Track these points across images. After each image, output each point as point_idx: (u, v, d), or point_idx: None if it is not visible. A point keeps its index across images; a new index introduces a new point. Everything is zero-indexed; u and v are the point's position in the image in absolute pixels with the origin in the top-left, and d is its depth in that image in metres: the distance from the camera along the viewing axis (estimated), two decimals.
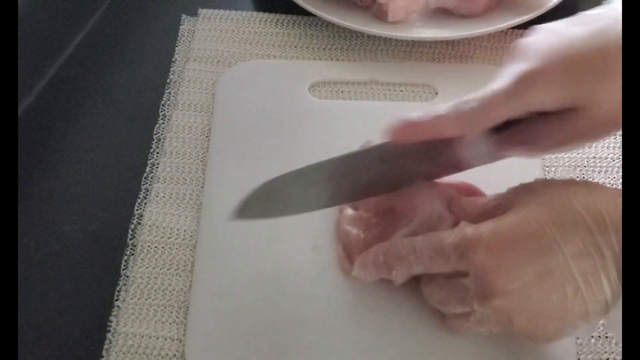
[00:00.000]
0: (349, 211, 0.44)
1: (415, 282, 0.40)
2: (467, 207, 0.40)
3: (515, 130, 0.38)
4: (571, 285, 0.34)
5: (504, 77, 0.37)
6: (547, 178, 0.39)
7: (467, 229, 0.36)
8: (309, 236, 0.45)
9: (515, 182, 0.40)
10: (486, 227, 0.36)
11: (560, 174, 0.49)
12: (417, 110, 0.39)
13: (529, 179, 0.40)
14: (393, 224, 0.42)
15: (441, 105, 0.38)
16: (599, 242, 0.34)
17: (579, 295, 0.34)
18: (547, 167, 0.49)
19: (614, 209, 0.34)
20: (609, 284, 0.34)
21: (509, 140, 0.39)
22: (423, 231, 0.39)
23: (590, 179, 0.49)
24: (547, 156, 0.50)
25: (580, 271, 0.34)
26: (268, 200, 0.41)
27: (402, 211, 0.42)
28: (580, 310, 0.35)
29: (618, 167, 0.49)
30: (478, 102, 0.37)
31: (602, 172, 0.49)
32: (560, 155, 0.50)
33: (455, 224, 0.40)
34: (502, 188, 0.40)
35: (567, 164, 0.50)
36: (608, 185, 0.36)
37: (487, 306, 0.36)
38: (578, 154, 0.50)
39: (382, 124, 0.39)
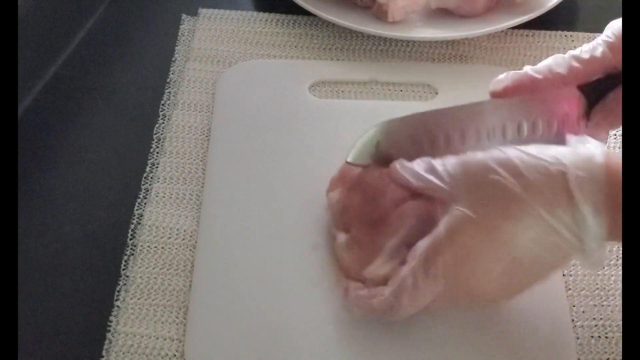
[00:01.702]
0: (341, 237, 0.43)
1: None
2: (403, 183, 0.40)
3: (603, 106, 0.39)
4: (536, 268, 0.36)
5: None
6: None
7: (423, 245, 0.37)
8: (309, 235, 0.45)
9: None
10: (440, 236, 0.36)
11: None
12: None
13: None
14: (382, 236, 0.41)
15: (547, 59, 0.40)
16: (550, 221, 0.34)
17: (547, 271, 0.36)
18: None
19: (553, 182, 0.34)
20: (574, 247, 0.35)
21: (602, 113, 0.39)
22: (414, 238, 0.38)
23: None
24: None
25: (541, 253, 0.35)
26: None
27: (389, 221, 0.41)
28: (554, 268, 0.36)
29: None
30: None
31: None
32: None
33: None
34: None
35: None
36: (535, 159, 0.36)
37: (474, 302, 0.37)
38: None
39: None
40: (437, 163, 0.38)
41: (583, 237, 0.34)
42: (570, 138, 0.38)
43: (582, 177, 0.34)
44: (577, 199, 0.34)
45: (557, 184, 0.34)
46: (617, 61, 0.38)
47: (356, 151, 0.41)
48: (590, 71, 0.39)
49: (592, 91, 0.39)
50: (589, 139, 0.37)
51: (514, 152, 0.36)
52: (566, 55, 0.40)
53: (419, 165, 0.39)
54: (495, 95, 0.41)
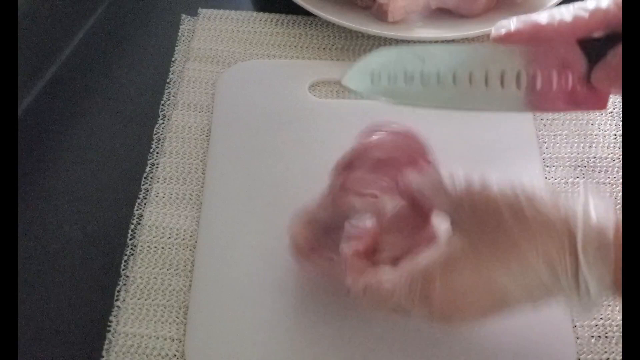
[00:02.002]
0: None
1: None
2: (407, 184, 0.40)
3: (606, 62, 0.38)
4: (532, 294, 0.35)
5: None
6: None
7: (415, 267, 0.36)
8: None
9: (514, 177, 0.39)
10: (435, 263, 0.35)
11: (561, 173, 0.49)
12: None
13: (532, 179, 0.40)
14: (324, 205, 0.41)
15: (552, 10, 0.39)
16: (541, 270, 0.34)
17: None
18: (548, 166, 0.49)
19: (553, 214, 0.34)
20: (569, 285, 0.34)
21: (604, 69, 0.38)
22: (334, 222, 0.39)
23: (590, 179, 0.49)
24: (547, 155, 0.50)
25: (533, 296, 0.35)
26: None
27: (333, 196, 0.41)
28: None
29: (618, 167, 0.49)
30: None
31: (602, 172, 0.49)
32: (560, 155, 0.50)
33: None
34: None
35: (567, 163, 0.50)
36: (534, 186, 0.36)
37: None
38: (578, 154, 0.50)
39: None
40: (445, 177, 0.38)
41: (581, 297, 0.34)
42: (582, 189, 0.37)
43: (592, 249, 0.33)
44: (583, 266, 0.33)
45: (563, 243, 0.33)
46: (620, 16, 0.37)
47: (351, 74, 0.40)
48: (593, 22, 0.38)
49: (593, 48, 0.39)
50: (597, 195, 0.36)
51: (521, 190, 0.35)
52: (570, 5, 0.39)
53: (426, 175, 0.39)
54: (497, 39, 0.39)
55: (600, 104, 0.40)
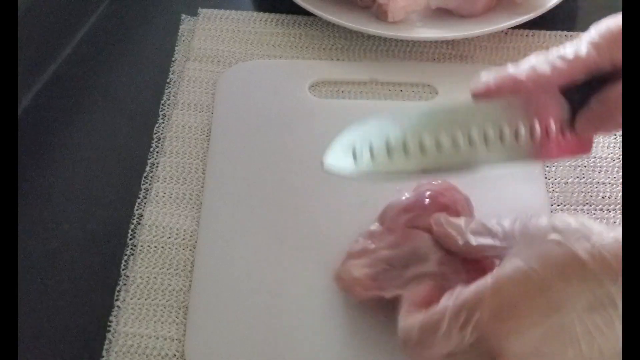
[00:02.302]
0: (372, 226, 0.43)
1: None
2: (451, 234, 0.39)
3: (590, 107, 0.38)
4: (586, 340, 0.32)
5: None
6: (538, 215, 0.36)
7: (465, 292, 0.34)
8: (309, 234, 0.45)
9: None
10: (486, 286, 0.34)
11: (561, 173, 0.49)
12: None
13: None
14: (388, 243, 0.41)
15: (529, 58, 0.38)
16: (611, 292, 0.32)
17: (596, 348, 0.32)
18: (548, 166, 0.49)
19: (619, 251, 0.32)
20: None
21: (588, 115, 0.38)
22: (405, 261, 0.39)
23: (590, 179, 0.49)
24: None
25: (594, 324, 0.32)
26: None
27: (401, 233, 0.41)
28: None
29: (618, 167, 0.49)
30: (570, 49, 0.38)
31: (602, 172, 0.49)
32: None
33: (441, 262, 0.39)
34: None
35: (567, 163, 0.50)
36: (603, 223, 0.34)
37: None
38: None
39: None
40: (491, 223, 0.37)
41: None
42: None
43: None
44: None
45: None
46: (601, 61, 0.37)
47: (333, 156, 0.39)
48: (574, 71, 0.38)
49: (576, 95, 0.38)
50: None
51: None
52: (549, 55, 0.38)
53: (466, 223, 0.39)
54: (476, 95, 0.39)
55: (584, 148, 0.40)
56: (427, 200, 0.42)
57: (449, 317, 0.34)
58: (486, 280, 0.34)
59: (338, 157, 0.38)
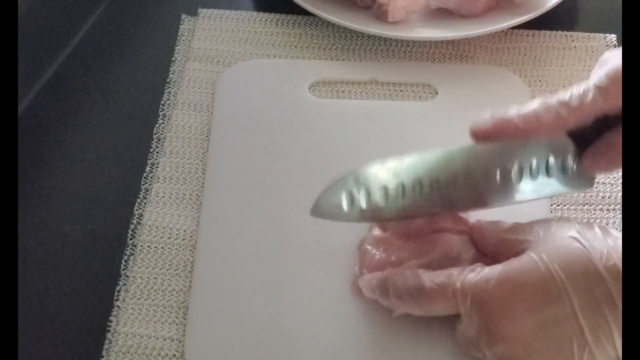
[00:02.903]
0: (376, 231, 0.42)
1: None
2: (487, 233, 0.39)
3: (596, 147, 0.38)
4: (578, 339, 0.33)
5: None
6: (566, 216, 0.38)
7: (473, 275, 0.35)
8: (309, 234, 0.45)
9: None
10: (495, 272, 0.35)
11: None
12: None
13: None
14: (412, 252, 0.40)
15: (533, 102, 0.38)
16: (612, 292, 0.33)
17: (587, 351, 0.33)
18: None
19: None
20: (620, 338, 0.33)
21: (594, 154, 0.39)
22: (438, 265, 0.38)
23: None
24: None
25: (589, 324, 0.33)
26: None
27: (424, 240, 0.40)
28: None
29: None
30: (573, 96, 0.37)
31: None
32: None
33: (474, 260, 0.39)
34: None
35: None
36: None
37: (491, 350, 0.35)
38: None
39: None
40: (522, 223, 0.39)
41: None
42: None
43: None
44: None
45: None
46: (608, 108, 0.37)
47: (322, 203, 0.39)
48: (579, 118, 0.37)
49: (582, 136, 0.38)
50: None
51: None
52: (554, 101, 0.38)
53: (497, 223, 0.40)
54: (477, 136, 0.39)
55: (587, 184, 0.40)
56: None
57: (454, 290, 0.35)
58: (496, 267, 0.35)
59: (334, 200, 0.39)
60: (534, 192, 0.39)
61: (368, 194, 0.39)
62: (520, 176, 0.39)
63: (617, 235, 0.36)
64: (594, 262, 0.33)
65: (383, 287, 0.39)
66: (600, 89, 0.37)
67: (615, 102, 0.36)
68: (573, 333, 0.33)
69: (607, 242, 0.35)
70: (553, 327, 0.33)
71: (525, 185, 0.39)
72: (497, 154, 0.38)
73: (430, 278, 0.37)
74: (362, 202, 0.39)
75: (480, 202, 0.39)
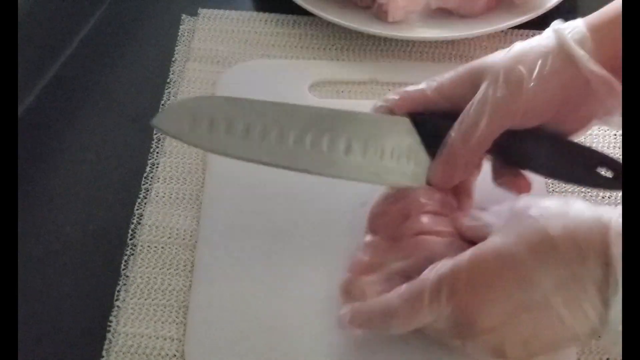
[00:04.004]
0: (367, 237, 0.42)
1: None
2: (458, 225, 0.40)
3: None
4: (554, 316, 0.33)
5: None
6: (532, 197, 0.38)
7: (444, 267, 0.35)
8: (309, 234, 0.45)
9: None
10: (464, 259, 0.35)
11: None
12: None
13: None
14: (396, 255, 0.40)
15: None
16: (577, 273, 0.33)
17: (566, 324, 0.33)
18: None
19: (592, 236, 0.33)
20: (594, 313, 0.33)
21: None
22: (419, 270, 0.37)
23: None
24: None
25: (561, 302, 0.33)
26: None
27: (408, 243, 0.40)
28: (569, 334, 0.34)
29: None
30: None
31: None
32: None
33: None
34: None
35: None
36: (587, 208, 0.35)
37: (476, 341, 0.35)
38: None
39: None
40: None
41: (607, 318, 0.33)
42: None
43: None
44: (615, 269, 0.32)
45: (595, 246, 0.33)
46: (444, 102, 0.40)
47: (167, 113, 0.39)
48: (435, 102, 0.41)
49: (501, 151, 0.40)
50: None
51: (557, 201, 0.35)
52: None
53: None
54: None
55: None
56: (422, 199, 0.41)
57: (430, 289, 0.35)
58: (465, 254, 0.35)
59: (174, 118, 0.38)
60: (366, 173, 0.39)
61: (212, 122, 0.38)
62: (349, 148, 0.39)
63: (578, 207, 0.35)
64: (558, 244, 0.33)
65: (355, 321, 0.38)
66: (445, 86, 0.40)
67: (513, 124, 0.38)
68: (548, 311, 0.33)
69: (568, 219, 0.34)
70: (529, 308, 0.34)
71: (354, 161, 0.39)
72: (339, 121, 0.40)
73: (398, 294, 0.36)
74: (205, 128, 0.38)
75: (321, 168, 0.39)
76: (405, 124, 0.40)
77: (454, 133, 0.39)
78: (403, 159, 0.40)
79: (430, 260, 0.37)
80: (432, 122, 0.40)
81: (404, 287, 0.36)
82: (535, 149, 0.40)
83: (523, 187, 0.41)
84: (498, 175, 0.42)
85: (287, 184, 0.48)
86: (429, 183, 0.41)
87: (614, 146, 0.51)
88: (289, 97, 0.53)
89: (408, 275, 0.38)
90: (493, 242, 0.35)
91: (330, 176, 0.40)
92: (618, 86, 0.38)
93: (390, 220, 0.41)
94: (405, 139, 0.40)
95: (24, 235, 0.46)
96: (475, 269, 0.35)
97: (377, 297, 0.38)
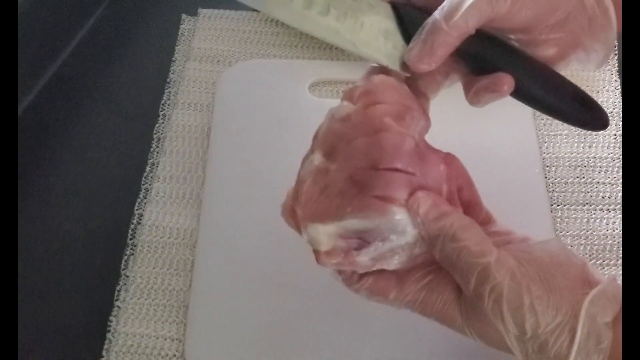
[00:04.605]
0: (316, 158, 0.37)
1: None
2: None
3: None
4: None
5: None
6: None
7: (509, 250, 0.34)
8: None
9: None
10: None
11: (560, 173, 0.49)
12: None
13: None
14: (355, 207, 0.34)
15: None
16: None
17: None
18: (547, 166, 0.49)
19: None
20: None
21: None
22: (373, 236, 0.34)
23: (590, 179, 0.49)
24: (547, 155, 0.50)
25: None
26: None
27: (371, 202, 0.34)
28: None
29: (618, 167, 0.49)
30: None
31: (602, 172, 0.49)
32: (560, 155, 0.50)
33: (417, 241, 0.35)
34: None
35: (567, 163, 0.50)
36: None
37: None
38: (578, 154, 0.50)
39: None
40: None
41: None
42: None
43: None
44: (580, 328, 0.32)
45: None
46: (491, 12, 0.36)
47: None
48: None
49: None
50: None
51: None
52: None
53: None
54: None
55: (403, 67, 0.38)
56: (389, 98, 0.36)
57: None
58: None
59: None
60: (342, 39, 0.37)
61: None
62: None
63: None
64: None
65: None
66: None
67: (498, 11, 0.36)
68: None
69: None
70: None
71: (331, 24, 0.37)
72: None
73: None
74: None
75: (293, 20, 0.37)
76: (387, 9, 0.39)
77: (437, 13, 0.37)
78: (381, 38, 0.38)
79: (393, 230, 0.34)
80: (412, 13, 0.39)
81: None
82: (508, 59, 0.38)
83: (505, 81, 0.37)
84: (470, 86, 0.39)
85: (287, 184, 0.48)
86: (403, 68, 0.38)
87: (614, 146, 0.51)
88: (289, 97, 0.53)
89: (365, 239, 0.34)
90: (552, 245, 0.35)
91: (304, 30, 0.39)
92: (611, 6, 0.37)
93: (354, 154, 0.35)
94: (384, 21, 0.38)
95: (25, 234, 0.46)
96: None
97: (336, 255, 0.35)
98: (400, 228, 0.34)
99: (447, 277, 0.34)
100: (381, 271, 0.35)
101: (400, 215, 0.34)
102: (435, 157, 0.36)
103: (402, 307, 0.36)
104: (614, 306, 0.32)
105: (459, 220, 0.34)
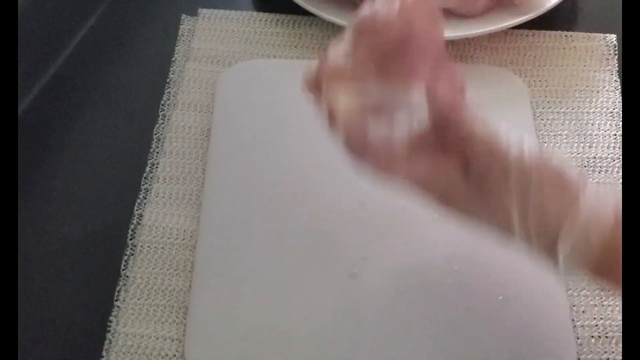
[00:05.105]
0: (343, 45, 0.38)
1: None
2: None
3: None
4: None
5: None
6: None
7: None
8: (309, 234, 0.45)
9: None
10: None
11: None
12: None
13: None
14: (375, 76, 0.36)
15: None
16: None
17: None
18: None
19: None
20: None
21: None
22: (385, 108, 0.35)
23: (590, 179, 0.49)
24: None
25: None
26: None
27: (395, 72, 0.36)
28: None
29: (618, 167, 0.49)
30: None
31: (602, 172, 0.49)
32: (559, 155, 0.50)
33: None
34: None
35: None
36: None
37: None
38: (578, 154, 0.50)
39: None
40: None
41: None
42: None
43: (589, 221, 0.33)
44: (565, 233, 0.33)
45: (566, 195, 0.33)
46: None
47: None
48: None
49: None
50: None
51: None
52: None
53: None
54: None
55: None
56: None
57: None
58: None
59: None
60: None
61: None
62: None
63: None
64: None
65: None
66: None
67: None
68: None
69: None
70: None
71: None
72: None
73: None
74: None
75: None
76: None
77: None
78: None
79: (409, 105, 0.35)
80: None
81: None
82: None
83: None
84: None
85: (287, 184, 0.48)
86: None
87: (614, 146, 0.51)
88: (289, 97, 0.53)
89: (380, 109, 0.35)
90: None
91: None
92: None
93: (382, 48, 0.37)
94: None
95: (24, 235, 0.46)
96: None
97: (352, 113, 0.36)
98: (415, 102, 0.35)
99: (453, 159, 0.35)
100: (391, 146, 0.36)
101: (419, 92, 0.35)
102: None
103: (407, 184, 0.36)
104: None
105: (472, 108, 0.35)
